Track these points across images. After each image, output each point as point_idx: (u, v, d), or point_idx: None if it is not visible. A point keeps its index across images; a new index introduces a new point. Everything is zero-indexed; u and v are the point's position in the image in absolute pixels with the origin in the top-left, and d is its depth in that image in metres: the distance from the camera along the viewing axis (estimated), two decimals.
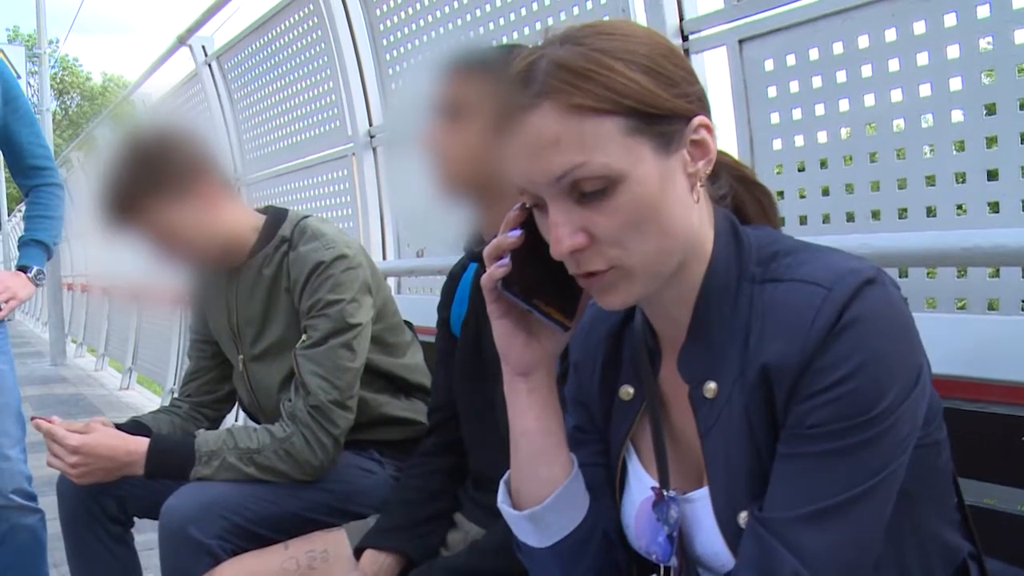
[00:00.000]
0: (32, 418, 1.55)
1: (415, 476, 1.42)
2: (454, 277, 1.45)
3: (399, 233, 3.12)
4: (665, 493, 0.83)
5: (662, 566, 0.84)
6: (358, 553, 1.35)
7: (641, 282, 0.76)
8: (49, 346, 9.25)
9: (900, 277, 1.44)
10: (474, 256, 1.33)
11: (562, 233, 0.74)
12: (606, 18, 1.97)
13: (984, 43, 1.29)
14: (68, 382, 7.53)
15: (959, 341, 1.26)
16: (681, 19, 1.80)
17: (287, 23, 3.49)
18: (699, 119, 0.76)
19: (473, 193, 1.18)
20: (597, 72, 0.71)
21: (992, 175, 1.32)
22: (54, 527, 1.89)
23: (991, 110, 1.30)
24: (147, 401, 6.31)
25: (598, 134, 0.72)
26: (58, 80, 34.08)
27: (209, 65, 4.26)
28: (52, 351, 9.03)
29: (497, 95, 1.13)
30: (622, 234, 0.74)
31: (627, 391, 0.89)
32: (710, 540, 0.80)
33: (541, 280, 0.81)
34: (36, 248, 2.11)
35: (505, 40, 2.31)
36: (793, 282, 0.75)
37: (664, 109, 0.73)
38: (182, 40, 4.30)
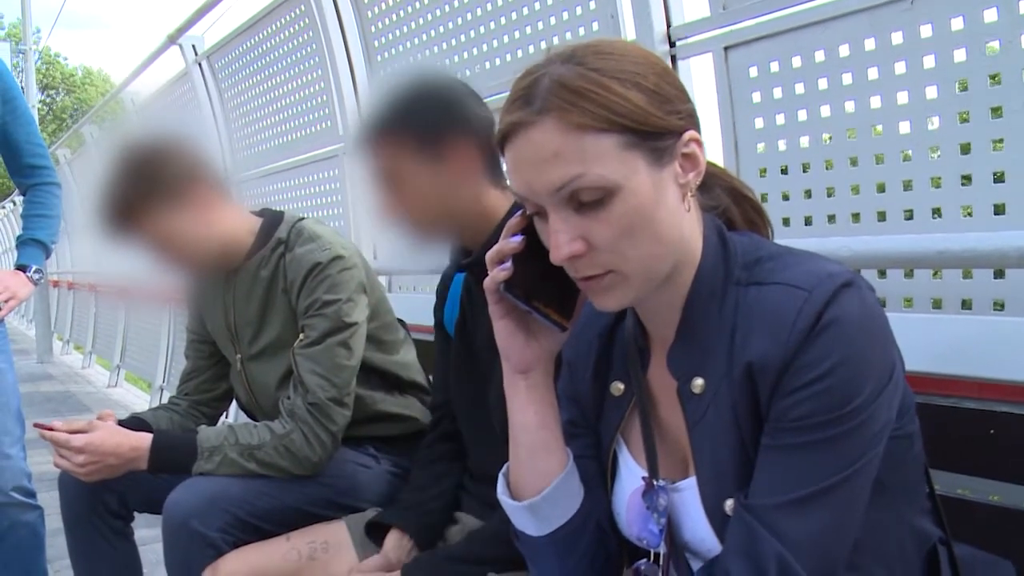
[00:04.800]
0: (35, 424, 1.57)
1: (421, 466, 1.50)
2: (445, 279, 1.49)
3: None
4: (655, 482, 0.88)
5: (652, 552, 0.89)
6: (370, 528, 1.44)
7: (636, 286, 0.81)
8: (35, 343, 9.18)
9: (879, 278, 1.49)
10: (461, 267, 1.37)
11: (561, 240, 0.79)
12: (595, 24, 2.02)
13: (959, 54, 1.35)
14: (55, 380, 7.49)
15: (934, 339, 1.31)
16: (668, 26, 1.85)
17: (279, 23, 3.50)
18: (689, 134, 0.81)
19: (446, 230, 1.28)
20: (595, 92, 0.76)
21: (966, 180, 1.37)
22: (50, 523, 1.91)
23: (964, 118, 1.35)
24: (136, 399, 6.29)
25: (596, 149, 0.76)
26: (42, 74, 33.74)
27: (200, 64, 4.27)
28: (39, 348, 8.96)
29: (411, 156, 1.22)
30: (617, 241, 0.78)
31: (618, 387, 0.94)
32: (697, 527, 0.85)
33: (540, 283, 0.86)
34: (35, 247, 2.13)
35: (496, 44, 2.36)
36: (776, 285, 0.80)
37: (657, 127, 0.78)
38: (172, 39, 4.30)
